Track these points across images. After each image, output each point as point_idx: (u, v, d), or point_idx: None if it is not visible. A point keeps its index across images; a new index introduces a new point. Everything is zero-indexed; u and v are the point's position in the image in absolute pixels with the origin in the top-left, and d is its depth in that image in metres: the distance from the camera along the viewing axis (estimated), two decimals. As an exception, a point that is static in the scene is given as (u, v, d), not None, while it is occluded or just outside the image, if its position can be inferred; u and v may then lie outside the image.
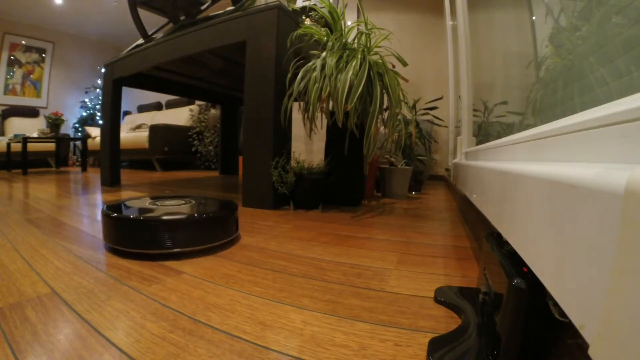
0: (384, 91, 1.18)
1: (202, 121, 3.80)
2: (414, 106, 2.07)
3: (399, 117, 1.28)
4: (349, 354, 0.34)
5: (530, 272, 0.29)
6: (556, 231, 0.21)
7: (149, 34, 1.84)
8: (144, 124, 4.06)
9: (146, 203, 0.81)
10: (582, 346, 0.22)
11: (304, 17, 1.48)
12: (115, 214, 0.66)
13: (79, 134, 4.91)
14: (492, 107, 1.39)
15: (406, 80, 1.30)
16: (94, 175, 2.79)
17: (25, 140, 2.91)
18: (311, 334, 0.38)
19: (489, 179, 0.48)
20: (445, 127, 2.36)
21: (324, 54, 1.18)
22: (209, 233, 0.69)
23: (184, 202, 0.83)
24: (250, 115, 1.29)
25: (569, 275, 0.18)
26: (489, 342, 0.33)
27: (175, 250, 0.65)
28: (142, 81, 2.11)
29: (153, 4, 1.75)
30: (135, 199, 0.87)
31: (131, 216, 0.65)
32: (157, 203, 0.80)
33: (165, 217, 0.65)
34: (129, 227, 0.65)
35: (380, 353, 0.34)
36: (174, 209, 0.73)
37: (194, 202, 0.84)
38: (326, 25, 1.38)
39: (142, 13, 1.74)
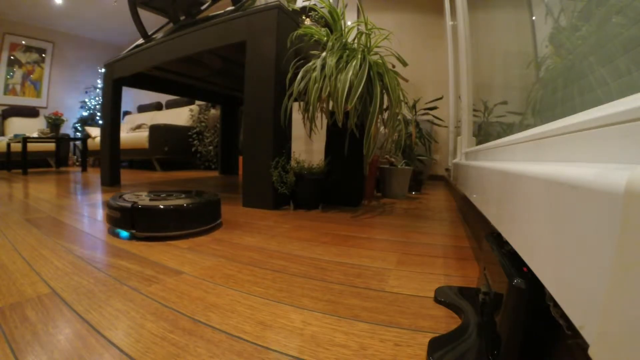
0: (384, 91, 1.18)
1: (202, 121, 3.80)
2: (414, 106, 2.07)
3: (399, 117, 1.28)
4: (349, 354, 0.34)
5: (530, 272, 0.29)
6: (556, 231, 0.20)
7: (149, 34, 1.84)
8: (144, 124, 4.06)
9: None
10: (582, 346, 0.22)
11: (304, 17, 1.48)
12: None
13: (79, 134, 4.91)
14: (492, 107, 1.39)
15: (406, 80, 1.30)
16: (94, 175, 2.79)
17: (25, 140, 2.91)
18: (311, 334, 0.38)
19: (489, 179, 0.48)
20: (445, 127, 2.36)
21: (324, 54, 1.18)
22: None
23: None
24: (250, 115, 1.29)
25: (568, 275, 0.18)
26: (489, 342, 0.33)
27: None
28: (142, 81, 2.11)
29: (153, 4, 1.75)
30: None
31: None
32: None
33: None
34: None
35: (380, 353, 0.34)
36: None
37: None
38: (326, 25, 1.38)
39: (142, 13, 1.74)
